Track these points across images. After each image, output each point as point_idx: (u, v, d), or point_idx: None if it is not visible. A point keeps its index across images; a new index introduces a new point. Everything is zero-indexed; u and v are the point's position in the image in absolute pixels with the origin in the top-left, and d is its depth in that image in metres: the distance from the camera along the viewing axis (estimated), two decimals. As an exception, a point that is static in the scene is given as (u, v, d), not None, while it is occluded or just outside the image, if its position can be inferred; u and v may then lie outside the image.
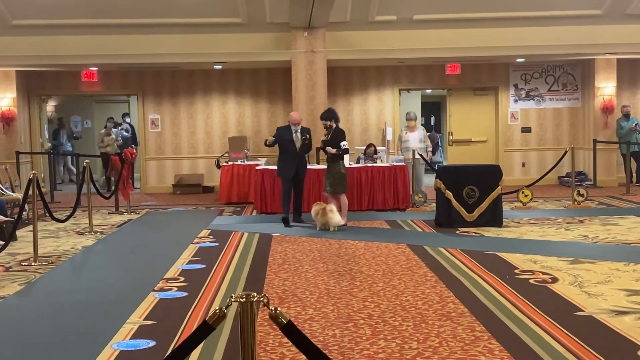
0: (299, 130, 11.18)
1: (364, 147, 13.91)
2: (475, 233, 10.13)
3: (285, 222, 10.98)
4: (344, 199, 10.96)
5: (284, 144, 11.14)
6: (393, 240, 9.46)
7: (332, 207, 10.44)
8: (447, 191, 10.61)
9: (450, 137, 17.57)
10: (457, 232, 10.23)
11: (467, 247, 8.85)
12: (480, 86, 17.42)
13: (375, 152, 13.50)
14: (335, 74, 16.19)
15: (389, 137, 14.99)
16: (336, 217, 10.34)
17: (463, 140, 17.44)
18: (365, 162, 13.17)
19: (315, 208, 10.53)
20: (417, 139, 13.57)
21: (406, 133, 13.73)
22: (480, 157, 16.68)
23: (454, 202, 10.57)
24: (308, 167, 12.79)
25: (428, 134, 21.39)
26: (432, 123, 23.20)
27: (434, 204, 11.39)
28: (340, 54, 15.03)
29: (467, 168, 11.36)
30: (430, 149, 13.75)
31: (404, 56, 15.44)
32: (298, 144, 11.11)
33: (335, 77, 16.34)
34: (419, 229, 10.64)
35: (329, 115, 11.08)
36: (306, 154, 11.61)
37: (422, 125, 16.53)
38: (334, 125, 10.95)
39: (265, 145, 11.46)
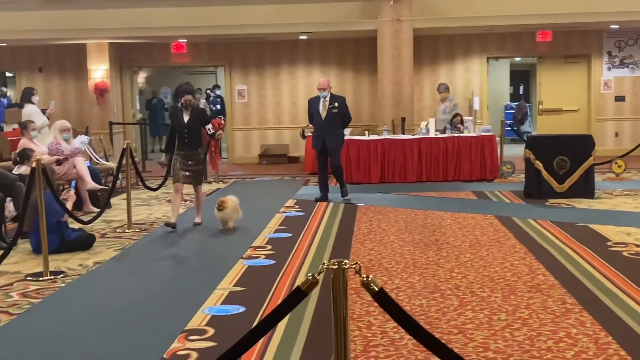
0: (328, 98, 10.34)
1: (450, 117, 13.73)
2: (566, 204, 9.90)
3: (322, 200, 10.48)
4: (202, 190, 9.21)
5: (314, 115, 10.48)
6: (480, 212, 9.34)
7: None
8: (537, 161, 10.39)
9: (540, 106, 17.15)
10: (547, 203, 10.02)
11: (558, 219, 8.66)
12: (571, 54, 16.88)
13: (462, 122, 13.32)
14: (421, 42, 15.97)
15: (476, 106, 14.76)
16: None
17: (553, 110, 16.99)
18: (451, 132, 13.00)
19: (229, 204, 8.58)
20: (441, 110, 13.61)
21: (439, 104, 13.67)
22: (571, 126, 16.21)
23: (544, 172, 10.35)
24: (394, 136, 12.74)
25: (516, 103, 21.18)
26: (521, 92, 22.73)
27: (523, 175, 11.19)
28: (427, 22, 14.80)
29: (558, 138, 11.07)
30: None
31: (493, 23, 15.07)
32: (324, 113, 10.33)
33: (421, 46, 16.12)
34: (507, 200, 10.47)
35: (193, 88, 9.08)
36: (344, 125, 10.54)
37: (511, 93, 16.19)
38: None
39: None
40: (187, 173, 8.69)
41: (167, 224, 8.57)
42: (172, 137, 8.84)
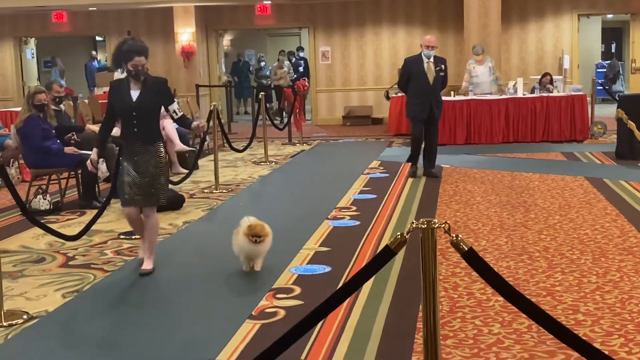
0: (432, 59, 9.16)
1: (539, 77, 13.40)
2: (660, 166, 9.59)
3: (414, 174, 9.31)
4: (157, 217, 5.56)
5: (415, 77, 9.17)
6: (569, 173, 9.12)
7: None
8: (630, 122, 10.06)
9: (633, 64, 16.55)
10: (640, 164, 9.73)
11: (651, 181, 8.40)
12: (668, 9, 16.19)
13: (551, 81, 12.97)
14: (509, 0, 15.54)
15: (566, 65, 14.35)
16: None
17: (647, 68, 16.37)
18: (540, 92, 12.69)
19: (267, 230, 5.37)
20: (485, 72, 12.87)
21: (474, 67, 12.98)
22: (666, 85, 15.61)
23: (637, 133, 10.01)
24: (481, 97, 12.50)
25: (608, 61, 20.47)
26: (613, 50, 21.95)
27: (614, 135, 10.86)
28: (515, -22, 14.39)
29: (653, 97, 10.70)
30: (500, 81, 12.80)
31: (585, -21, 14.56)
32: (431, 77, 9.10)
33: (509, 3, 15.67)
34: (598, 161, 10.19)
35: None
36: (442, 89, 9.47)
37: (602, 52, 15.65)
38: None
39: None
40: (136, 189, 5.31)
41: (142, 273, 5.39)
42: (108, 124, 5.67)
